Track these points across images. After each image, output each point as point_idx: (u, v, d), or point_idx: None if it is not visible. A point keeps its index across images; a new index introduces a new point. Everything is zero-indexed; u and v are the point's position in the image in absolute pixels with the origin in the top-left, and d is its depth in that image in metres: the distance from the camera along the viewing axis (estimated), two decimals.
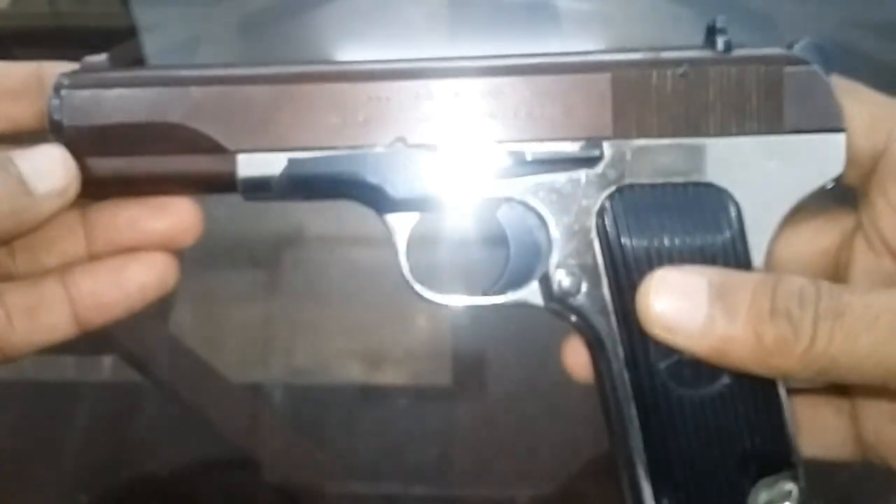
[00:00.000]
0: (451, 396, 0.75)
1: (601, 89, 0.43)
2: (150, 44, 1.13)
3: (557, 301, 0.44)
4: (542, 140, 0.43)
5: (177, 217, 0.45)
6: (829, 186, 0.43)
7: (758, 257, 0.43)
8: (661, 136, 0.43)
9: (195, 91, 0.43)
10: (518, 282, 0.46)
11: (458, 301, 0.46)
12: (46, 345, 0.46)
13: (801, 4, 1.07)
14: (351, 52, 1.13)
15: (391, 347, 0.79)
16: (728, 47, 0.43)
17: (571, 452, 0.71)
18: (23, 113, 0.45)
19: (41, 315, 0.45)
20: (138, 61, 1.09)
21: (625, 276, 0.43)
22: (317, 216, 0.88)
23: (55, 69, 0.44)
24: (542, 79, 0.43)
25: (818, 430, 0.47)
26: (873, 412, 0.46)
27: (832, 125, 0.42)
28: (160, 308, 0.75)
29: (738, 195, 0.43)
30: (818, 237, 0.47)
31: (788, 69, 0.42)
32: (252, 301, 0.83)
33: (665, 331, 0.40)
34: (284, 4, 1.18)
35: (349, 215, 0.84)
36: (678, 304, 0.40)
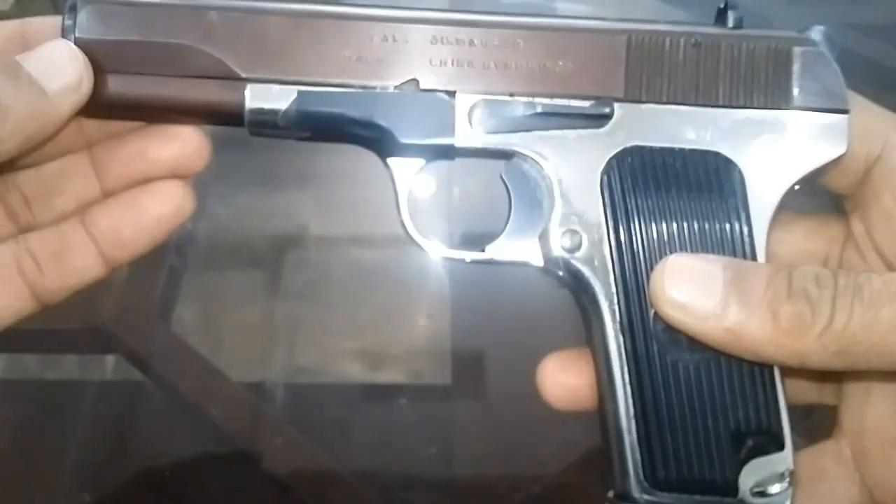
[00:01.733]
0: (450, 396, 0.76)
1: (616, 50, 0.43)
2: None
3: (556, 260, 0.44)
4: (553, 95, 0.43)
5: (183, 143, 0.45)
6: (831, 166, 0.44)
7: (760, 229, 0.43)
8: (670, 101, 0.43)
9: (212, 15, 0.42)
10: (517, 240, 0.45)
11: (457, 255, 0.46)
12: (81, 286, 0.46)
13: (798, 6, 1.07)
14: None
15: (391, 347, 0.79)
16: (739, 24, 0.44)
17: (571, 452, 0.71)
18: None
19: (68, 258, 0.45)
20: None
21: (627, 234, 0.43)
22: (318, 216, 0.89)
23: (41, 24, 0.43)
24: (558, 35, 0.43)
25: (821, 483, 0.45)
26: (876, 454, 0.44)
27: (837, 106, 0.43)
28: (162, 308, 0.75)
29: (742, 165, 0.43)
30: (808, 240, 0.48)
31: (798, 48, 0.43)
32: (253, 301, 0.83)
33: (679, 314, 0.40)
34: None
35: (350, 216, 0.85)
36: (692, 287, 0.40)
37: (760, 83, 0.43)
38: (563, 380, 0.46)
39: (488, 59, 0.43)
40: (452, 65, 0.43)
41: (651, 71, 0.43)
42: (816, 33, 0.44)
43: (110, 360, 0.77)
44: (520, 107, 0.43)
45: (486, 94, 0.43)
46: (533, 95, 0.43)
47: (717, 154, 0.43)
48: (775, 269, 0.39)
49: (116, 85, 0.43)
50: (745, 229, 0.43)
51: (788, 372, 0.42)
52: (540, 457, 0.71)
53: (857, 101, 0.44)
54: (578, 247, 0.43)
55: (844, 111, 0.43)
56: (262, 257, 0.87)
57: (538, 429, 0.72)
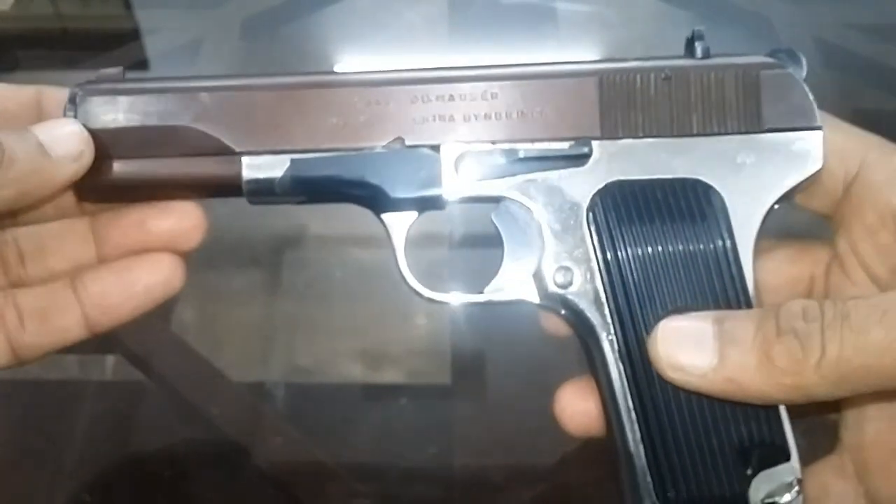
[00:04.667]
0: (450, 396, 0.76)
1: (589, 92, 0.45)
2: (153, 46, 1.13)
3: (552, 296, 0.45)
4: (534, 140, 0.45)
5: (181, 217, 0.47)
6: (809, 181, 0.45)
7: (745, 250, 0.44)
8: (646, 135, 0.45)
9: (204, 96, 0.45)
10: (512, 279, 0.47)
11: (455, 299, 0.48)
12: (57, 347, 0.47)
13: (796, 6, 1.07)
14: (352, 55, 1.13)
15: (391, 347, 0.79)
16: (706, 54, 0.45)
17: (571, 452, 0.71)
18: None
19: (52, 318, 0.46)
20: (141, 63, 1.09)
21: (616, 267, 0.44)
22: (318, 217, 0.89)
23: (55, 94, 0.46)
24: (533, 83, 0.45)
25: (826, 500, 0.46)
26: (877, 467, 0.45)
27: (808, 124, 0.45)
28: (162, 307, 0.75)
29: (722, 189, 0.45)
30: (791, 265, 0.49)
31: (764, 72, 0.45)
32: (253, 300, 0.84)
33: (679, 375, 0.41)
34: (286, 7, 1.18)
35: (349, 216, 0.85)
36: (686, 348, 0.41)
37: (732, 109, 0.45)
38: (581, 407, 0.47)
39: (468, 112, 0.45)
40: (434, 120, 0.45)
41: (625, 108, 0.45)
42: (782, 54, 0.46)
43: (110, 360, 0.77)
44: (502, 154, 0.45)
45: (469, 144, 0.45)
46: (514, 142, 0.45)
47: (696, 181, 0.45)
48: (762, 313, 0.40)
49: (120, 168, 0.45)
50: (731, 252, 0.44)
51: None
52: (540, 456, 0.71)
53: (830, 122, 0.45)
54: (571, 282, 0.45)
55: (816, 128, 0.45)
56: (262, 257, 0.87)
57: (538, 429, 0.72)
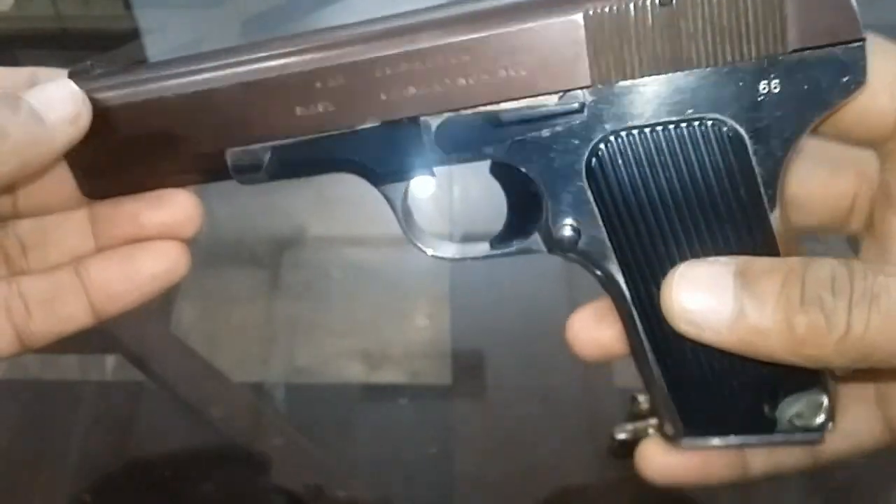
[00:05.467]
0: (450, 396, 0.76)
1: (574, 33, 0.38)
2: (153, 46, 1.13)
3: (558, 248, 0.43)
4: (517, 98, 0.40)
5: (175, 208, 0.46)
6: (852, 101, 0.39)
7: (770, 194, 0.40)
8: (645, 74, 0.39)
9: (171, 98, 0.43)
10: (518, 233, 0.45)
11: (461, 252, 0.45)
12: (65, 334, 0.47)
13: None
14: None
15: (391, 347, 0.79)
16: None
17: (571, 452, 0.71)
18: None
19: (58, 305, 0.46)
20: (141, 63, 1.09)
21: (620, 221, 0.41)
22: (318, 217, 0.89)
23: (50, 75, 0.45)
24: (508, 31, 0.39)
25: (843, 423, 0.45)
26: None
27: (848, 36, 0.37)
28: (162, 308, 0.75)
29: (741, 127, 0.39)
30: (834, 178, 0.45)
31: None
32: (253, 301, 0.84)
33: (692, 328, 0.39)
34: (286, 7, 1.18)
35: (349, 216, 0.85)
36: (703, 299, 0.38)
37: (748, 31, 0.37)
38: (595, 334, 0.46)
39: (442, 78, 0.40)
40: (406, 90, 0.40)
41: (618, 46, 0.38)
42: None
43: (110, 360, 0.77)
44: (484, 118, 0.41)
45: (448, 112, 0.41)
46: (496, 103, 0.40)
47: (709, 120, 0.39)
48: (789, 270, 0.38)
49: (105, 184, 0.45)
50: (753, 199, 0.40)
51: None
52: (540, 457, 0.71)
53: (877, 43, 0.39)
54: (578, 237, 0.42)
55: (858, 40, 0.37)
56: (262, 257, 0.87)
57: (538, 429, 0.72)
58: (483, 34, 0.39)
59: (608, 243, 0.42)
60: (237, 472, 0.70)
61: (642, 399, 0.71)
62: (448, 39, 0.39)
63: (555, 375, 0.76)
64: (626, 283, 0.42)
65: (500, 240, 0.45)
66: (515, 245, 0.44)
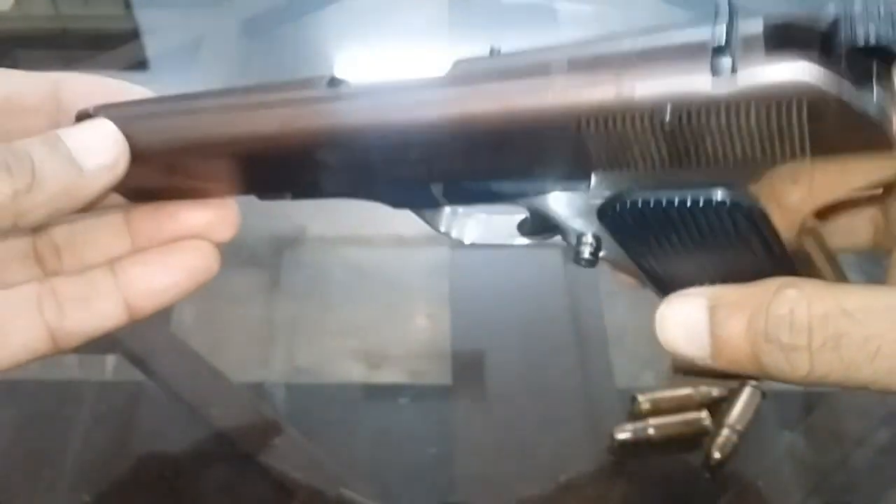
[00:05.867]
0: (450, 396, 0.76)
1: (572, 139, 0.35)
2: (152, 46, 1.13)
3: (581, 261, 0.41)
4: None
5: (214, 210, 0.46)
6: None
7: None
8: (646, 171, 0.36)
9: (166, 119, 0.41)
10: (541, 231, 0.44)
11: (491, 239, 0.46)
12: (98, 333, 0.46)
13: (798, 7, 1.07)
14: (352, 54, 1.14)
15: (391, 347, 0.79)
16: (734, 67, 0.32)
17: (571, 452, 0.71)
18: (39, 127, 0.43)
19: (93, 303, 0.45)
20: (141, 63, 1.09)
21: (640, 259, 0.41)
22: (318, 217, 0.89)
23: (74, 83, 0.44)
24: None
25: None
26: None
27: (875, 144, 0.31)
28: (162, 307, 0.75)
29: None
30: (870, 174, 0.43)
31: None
32: (253, 301, 0.84)
33: (686, 359, 0.40)
34: (286, 7, 1.18)
35: (349, 215, 0.85)
36: (683, 339, 0.39)
37: (766, 142, 0.33)
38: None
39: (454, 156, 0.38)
40: (416, 161, 0.39)
41: (617, 152, 0.35)
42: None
43: (110, 360, 0.77)
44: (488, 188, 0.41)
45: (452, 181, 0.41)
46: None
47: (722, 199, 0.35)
48: (756, 302, 0.37)
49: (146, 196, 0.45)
50: (772, 255, 0.38)
51: None
52: (540, 457, 0.71)
53: None
54: (598, 252, 0.41)
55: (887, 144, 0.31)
56: (262, 257, 0.87)
57: (538, 429, 0.72)
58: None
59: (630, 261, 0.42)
60: (237, 471, 0.70)
61: (642, 399, 0.71)
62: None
63: (555, 375, 0.76)
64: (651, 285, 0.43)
65: (525, 231, 0.45)
66: (538, 237, 0.44)
